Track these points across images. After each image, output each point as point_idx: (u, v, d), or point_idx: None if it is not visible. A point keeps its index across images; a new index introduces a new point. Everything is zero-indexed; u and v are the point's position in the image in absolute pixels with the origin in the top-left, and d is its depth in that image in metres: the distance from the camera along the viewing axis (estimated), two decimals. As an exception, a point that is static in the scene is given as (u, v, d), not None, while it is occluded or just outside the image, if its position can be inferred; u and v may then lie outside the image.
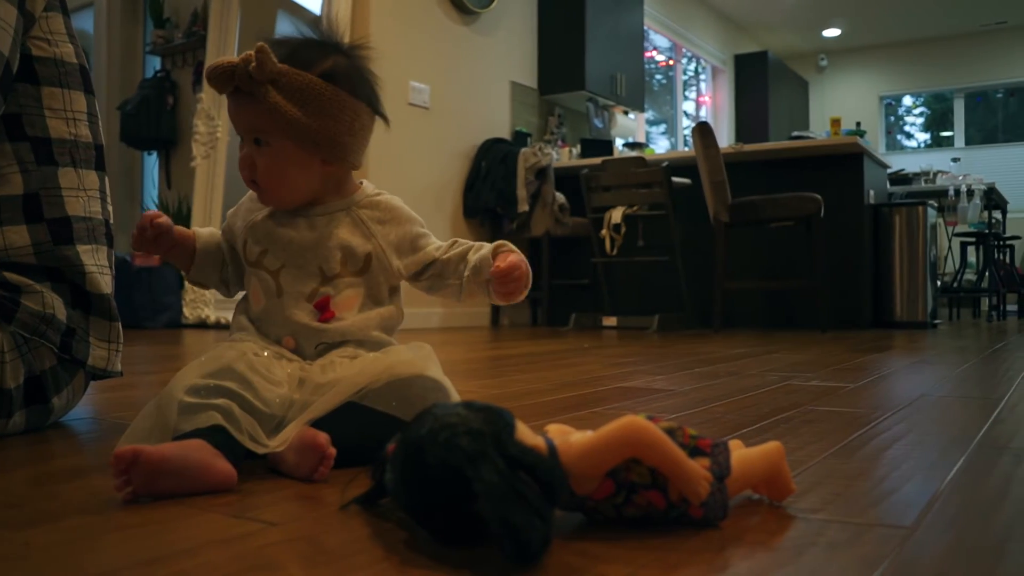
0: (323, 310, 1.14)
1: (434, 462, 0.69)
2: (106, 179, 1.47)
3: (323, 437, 0.97)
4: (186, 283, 5.37)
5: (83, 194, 1.39)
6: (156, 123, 6.00)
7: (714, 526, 0.79)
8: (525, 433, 0.74)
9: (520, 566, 0.66)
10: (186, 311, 5.37)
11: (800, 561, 0.71)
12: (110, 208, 1.48)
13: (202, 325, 5.28)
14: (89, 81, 1.45)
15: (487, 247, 1.17)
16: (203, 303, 5.37)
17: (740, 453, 0.82)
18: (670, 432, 0.77)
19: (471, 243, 1.20)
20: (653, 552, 0.72)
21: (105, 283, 1.40)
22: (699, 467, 0.75)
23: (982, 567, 0.70)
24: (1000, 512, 0.86)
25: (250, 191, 1.19)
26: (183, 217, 5.74)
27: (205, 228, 1.25)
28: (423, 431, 0.72)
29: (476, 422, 0.71)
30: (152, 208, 6.23)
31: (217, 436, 0.95)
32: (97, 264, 1.39)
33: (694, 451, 0.78)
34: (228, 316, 5.12)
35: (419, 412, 0.76)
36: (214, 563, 0.70)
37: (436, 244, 1.21)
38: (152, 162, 6.52)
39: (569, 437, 0.76)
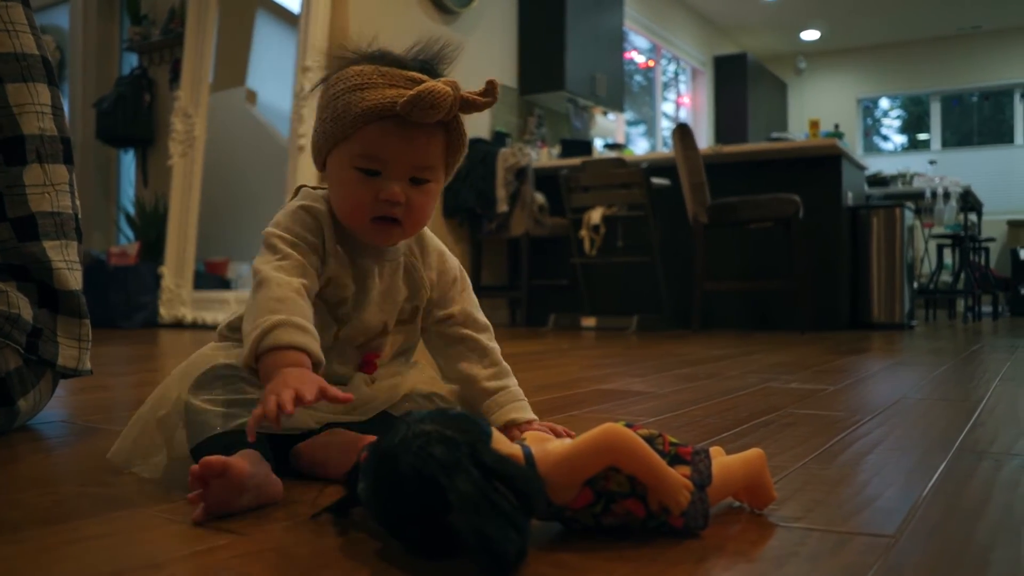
0: (368, 365, 1.08)
1: (407, 471, 0.67)
2: (73, 172, 1.44)
3: (368, 438, 0.92)
4: (162, 282, 5.32)
5: (50, 189, 1.36)
6: (133, 121, 5.94)
7: (695, 536, 0.77)
8: (501, 442, 0.72)
9: (495, 579, 0.64)
10: (162, 310, 5.31)
11: (782, 572, 0.69)
12: (78, 202, 1.45)
13: (178, 325, 5.23)
14: (52, 72, 1.41)
15: (517, 410, 1.10)
16: (179, 303, 5.32)
17: (721, 461, 0.80)
18: (650, 439, 0.76)
19: (509, 383, 1.13)
20: (631, 563, 0.70)
21: (74, 279, 1.37)
22: (679, 476, 0.74)
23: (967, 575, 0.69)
24: (983, 519, 0.85)
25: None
26: (160, 216, 5.69)
27: (303, 338, 0.91)
28: (396, 439, 0.70)
29: (451, 430, 0.69)
30: (128, 207, 6.17)
31: (259, 445, 0.90)
32: (66, 260, 1.36)
33: (674, 459, 0.76)
34: (204, 316, 5.09)
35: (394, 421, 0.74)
36: (179, 576, 0.67)
37: (483, 342, 1.13)
38: (129, 160, 6.46)
39: (547, 445, 0.75)
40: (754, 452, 0.83)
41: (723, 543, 0.76)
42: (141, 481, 1.03)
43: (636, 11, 8.31)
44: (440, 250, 1.14)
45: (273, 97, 5.48)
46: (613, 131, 7.42)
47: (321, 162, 1.03)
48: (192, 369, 1.02)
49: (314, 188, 1.07)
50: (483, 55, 6.09)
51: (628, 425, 0.75)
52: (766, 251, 5.18)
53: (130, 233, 6.02)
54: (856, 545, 0.75)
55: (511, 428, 1.09)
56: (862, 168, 5.91)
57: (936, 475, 1.04)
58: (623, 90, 7.26)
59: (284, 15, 5.56)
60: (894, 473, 1.06)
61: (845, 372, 2.39)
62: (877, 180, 6.97)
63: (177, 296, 5.34)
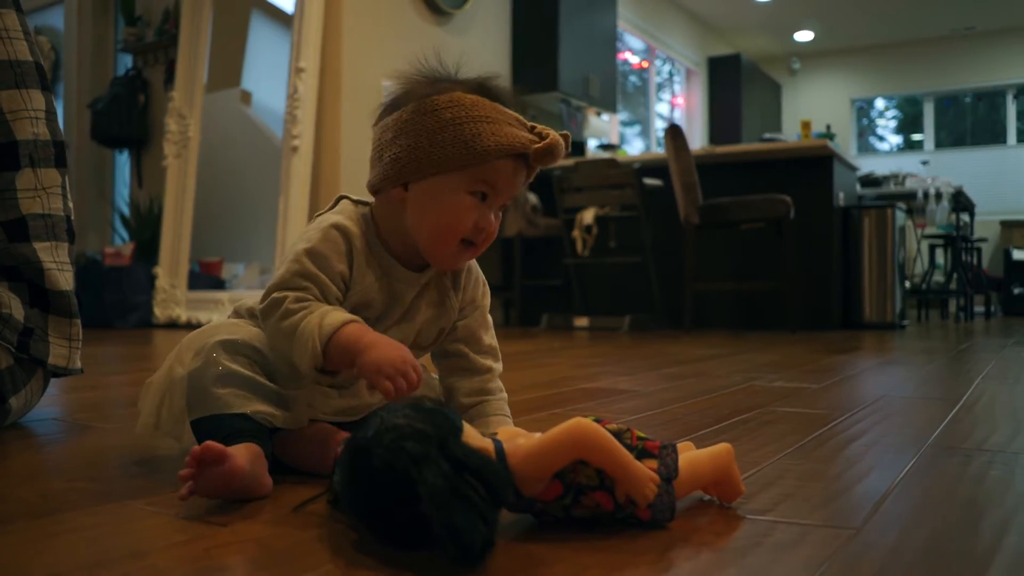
0: None
1: (380, 465, 0.69)
2: (67, 175, 1.46)
3: (344, 434, 0.97)
4: (156, 283, 5.34)
5: (42, 193, 1.38)
6: (127, 121, 5.95)
7: (662, 527, 0.79)
8: (472, 435, 0.74)
9: (463, 568, 0.66)
10: (157, 310, 5.33)
11: (744, 562, 0.71)
12: (71, 204, 1.47)
13: (172, 325, 5.24)
14: (45, 77, 1.44)
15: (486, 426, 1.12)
16: (174, 303, 5.34)
17: (689, 455, 0.83)
18: (618, 434, 0.78)
19: (488, 398, 1.16)
20: (598, 553, 0.72)
21: (65, 279, 1.40)
22: (646, 469, 0.76)
23: (922, 567, 0.71)
24: (946, 512, 0.88)
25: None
26: (154, 216, 5.71)
27: (350, 315, 0.98)
28: (370, 433, 0.72)
29: (422, 424, 0.71)
30: (123, 207, 6.18)
31: (263, 438, 0.94)
32: (56, 261, 1.39)
33: (642, 453, 0.78)
34: (199, 316, 5.10)
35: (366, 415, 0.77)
36: (160, 566, 0.70)
37: (484, 372, 1.15)
38: (123, 160, 6.46)
39: (517, 440, 0.77)
40: (722, 447, 0.85)
41: (689, 534, 0.78)
42: (129, 476, 1.05)
43: (630, 12, 8.33)
44: (482, 280, 1.17)
45: (268, 98, 5.49)
46: (607, 132, 7.44)
47: (402, 181, 1.01)
48: (212, 332, 1.03)
49: (355, 202, 1.08)
50: (476, 56, 6.03)
51: (597, 420, 0.78)
52: (758, 251, 5.20)
53: (125, 233, 6.03)
54: (819, 536, 0.78)
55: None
56: (854, 169, 5.94)
57: (905, 470, 1.07)
58: (616, 91, 7.28)
59: (279, 15, 5.58)
60: (865, 468, 1.08)
61: (831, 371, 2.42)
62: (870, 181, 7.00)
63: (171, 296, 5.36)
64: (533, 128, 1.01)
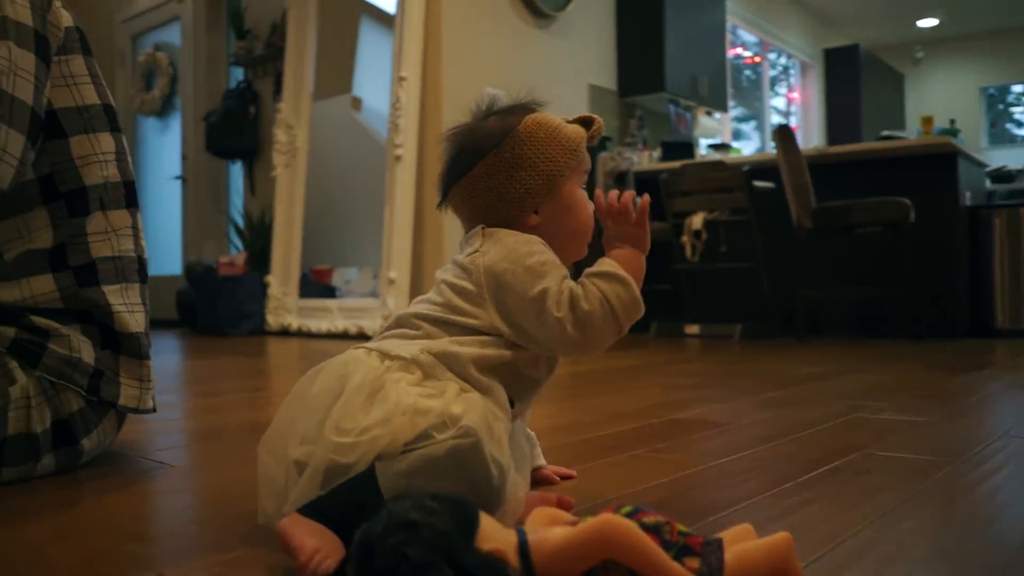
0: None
1: (382, 569, 0.63)
2: (138, 215, 1.47)
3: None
4: (269, 291, 5.45)
5: (112, 235, 1.39)
6: (239, 133, 6.12)
7: (709, 631, 0.71)
8: (491, 533, 0.67)
9: None
10: (269, 318, 5.45)
11: None
12: (143, 243, 1.48)
13: (284, 332, 5.35)
14: (115, 119, 1.44)
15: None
16: (285, 310, 5.45)
17: (739, 549, 0.73)
18: (656, 528, 0.70)
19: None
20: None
21: (135, 321, 1.40)
22: (684, 570, 0.68)
23: None
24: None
25: (545, 248, 1.05)
26: (266, 226, 5.83)
27: None
28: (379, 528, 0.66)
29: (438, 520, 0.65)
30: (237, 218, 6.35)
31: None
32: (126, 303, 1.39)
33: (682, 551, 0.70)
34: (309, 323, 5.19)
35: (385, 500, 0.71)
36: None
37: None
38: (237, 171, 6.65)
39: (546, 532, 0.70)
40: (780, 538, 0.75)
41: (739, 643, 0.69)
42: (180, 536, 1.02)
43: (741, 7, 8.09)
44: None
45: (378, 103, 5.51)
46: (718, 131, 7.24)
47: (536, 206, 1.07)
48: (337, 387, 0.91)
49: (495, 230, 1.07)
50: (580, 58, 6.01)
51: (633, 511, 0.70)
52: (876, 255, 4.94)
53: (239, 243, 6.20)
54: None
55: (533, 471, 1.18)
56: (983, 165, 5.59)
57: (1010, 555, 0.94)
58: (726, 89, 7.08)
59: (388, 20, 5.61)
60: (959, 552, 0.96)
61: (949, 397, 2.24)
62: (1002, 175, 6.60)
63: (283, 304, 5.47)
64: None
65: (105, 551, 0.96)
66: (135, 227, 1.45)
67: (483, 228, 1.06)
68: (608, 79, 6.30)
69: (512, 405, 1.01)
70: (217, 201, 6.77)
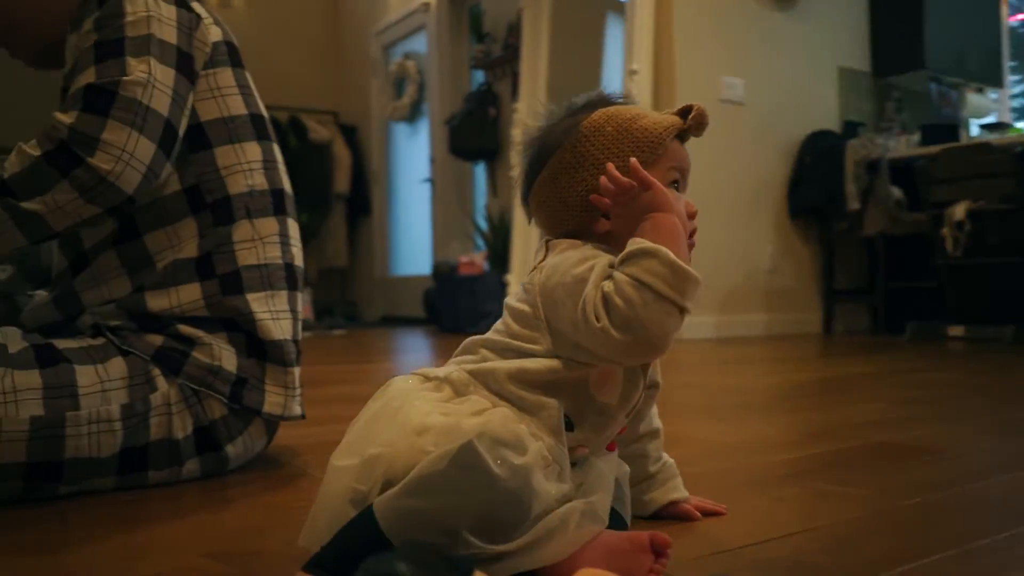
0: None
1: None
2: (287, 222, 1.47)
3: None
4: (507, 290, 5.52)
5: (258, 243, 1.40)
6: (479, 134, 6.25)
7: None
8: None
9: None
10: (506, 317, 5.51)
11: None
12: (294, 250, 1.48)
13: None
14: (264, 128, 1.46)
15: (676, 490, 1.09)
16: (523, 309, 5.49)
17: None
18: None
19: (665, 457, 1.11)
20: None
21: (279, 329, 1.40)
22: None
23: None
24: None
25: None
26: (506, 226, 5.91)
27: None
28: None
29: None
30: (479, 219, 6.49)
31: None
32: (271, 311, 1.39)
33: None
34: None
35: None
36: None
37: None
38: (480, 172, 6.81)
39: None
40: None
41: None
42: (270, 555, 0.99)
43: (1024, -32, 7.24)
44: None
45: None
46: (991, 109, 6.51)
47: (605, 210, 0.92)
48: (406, 424, 0.82)
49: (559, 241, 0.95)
50: (827, 39, 5.60)
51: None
52: None
53: (482, 243, 6.34)
54: None
55: (669, 506, 1.08)
56: None
57: None
58: (1002, 63, 6.35)
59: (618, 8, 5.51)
60: None
61: None
62: None
63: (520, 304, 5.51)
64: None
65: (183, 569, 0.93)
66: (284, 234, 1.45)
67: (547, 241, 0.95)
68: (860, 60, 5.83)
69: (571, 428, 0.88)
70: (462, 202, 6.97)
